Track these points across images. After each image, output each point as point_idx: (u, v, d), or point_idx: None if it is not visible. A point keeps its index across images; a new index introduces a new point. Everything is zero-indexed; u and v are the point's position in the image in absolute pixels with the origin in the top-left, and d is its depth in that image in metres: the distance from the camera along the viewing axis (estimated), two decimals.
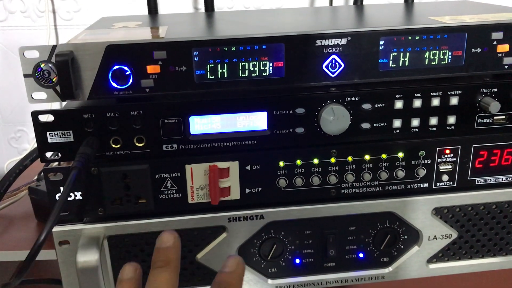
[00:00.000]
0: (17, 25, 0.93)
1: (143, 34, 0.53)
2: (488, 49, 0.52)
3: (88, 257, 0.50)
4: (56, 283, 0.64)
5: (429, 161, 0.56)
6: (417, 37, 0.51)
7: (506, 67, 0.53)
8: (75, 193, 0.52)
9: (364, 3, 0.83)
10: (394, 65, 0.52)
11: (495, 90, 0.54)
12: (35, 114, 0.49)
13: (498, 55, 0.52)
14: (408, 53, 0.51)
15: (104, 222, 0.53)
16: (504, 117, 0.55)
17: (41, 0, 0.91)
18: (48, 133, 0.49)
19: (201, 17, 0.71)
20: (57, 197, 0.51)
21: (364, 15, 0.67)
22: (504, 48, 0.52)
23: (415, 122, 0.54)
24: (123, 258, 0.55)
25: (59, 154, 0.51)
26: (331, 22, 0.64)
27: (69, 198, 0.51)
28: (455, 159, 0.56)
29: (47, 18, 0.92)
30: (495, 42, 0.52)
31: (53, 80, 0.47)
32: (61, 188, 0.51)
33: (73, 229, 0.52)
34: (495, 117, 0.55)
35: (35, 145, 0.94)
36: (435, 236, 0.59)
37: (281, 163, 0.54)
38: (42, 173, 0.74)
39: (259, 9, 0.91)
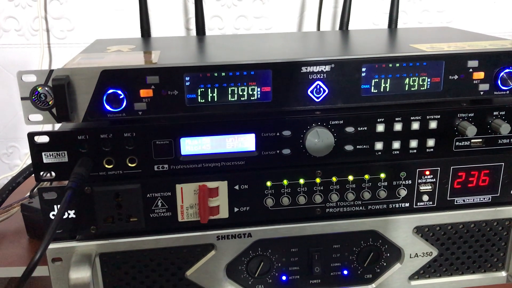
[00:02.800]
0: (11, 43, 0.95)
1: (137, 59, 0.55)
2: (465, 76, 0.55)
3: (80, 274, 0.51)
4: None
5: (410, 181, 0.58)
6: (397, 65, 0.54)
7: (481, 93, 0.56)
8: (69, 211, 0.53)
9: (350, 27, 0.86)
10: (376, 91, 0.54)
11: (472, 114, 0.56)
12: (31, 135, 0.51)
13: (474, 81, 0.55)
14: (389, 79, 0.54)
15: (96, 240, 0.54)
16: (480, 140, 0.58)
17: (35, 19, 0.93)
18: (43, 153, 0.51)
19: (192, 41, 0.73)
20: (51, 215, 0.53)
21: (348, 41, 0.70)
22: (479, 75, 0.55)
23: (396, 145, 0.56)
24: (115, 275, 0.56)
25: (53, 173, 0.52)
26: (316, 49, 0.67)
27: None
28: (434, 180, 0.59)
29: (41, 37, 0.94)
30: (471, 70, 0.55)
31: (49, 103, 0.49)
32: (55, 207, 0.52)
33: (66, 247, 0.54)
34: (472, 140, 0.58)
35: (27, 162, 0.95)
36: (416, 253, 0.61)
37: (269, 183, 0.56)
38: (35, 191, 0.76)
39: (248, 34, 0.94)
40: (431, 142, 0.57)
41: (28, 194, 0.76)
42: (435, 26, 0.94)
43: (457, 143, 0.57)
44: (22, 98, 0.49)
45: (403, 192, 0.58)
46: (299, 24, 0.97)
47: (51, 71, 0.49)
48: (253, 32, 0.95)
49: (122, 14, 0.93)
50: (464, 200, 0.60)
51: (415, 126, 0.56)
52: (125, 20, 0.93)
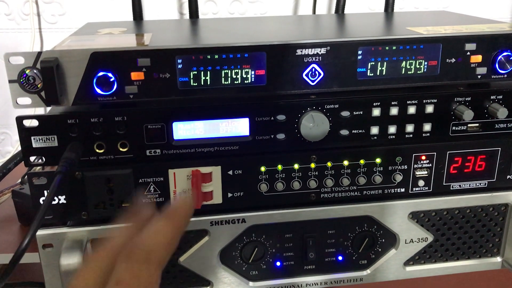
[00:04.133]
0: (1, 27, 0.93)
1: (128, 41, 0.54)
2: (462, 59, 0.54)
3: (71, 260, 0.51)
4: (39, 286, 0.65)
5: (406, 166, 0.57)
6: (394, 47, 0.53)
7: (479, 77, 0.55)
8: (59, 197, 0.52)
9: (345, 11, 0.85)
10: (372, 74, 0.53)
11: (469, 99, 0.56)
12: (19, 119, 0.49)
13: (471, 65, 0.54)
14: (385, 63, 0.53)
15: (88, 226, 0.54)
16: (477, 125, 0.57)
17: (26, 3, 0.91)
18: (32, 137, 0.50)
19: (185, 24, 0.72)
20: (41, 201, 0.52)
21: (344, 24, 0.69)
22: (477, 58, 0.54)
23: (392, 129, 0.56)
24: None
25: (43, 158, 0.51)
26: (312, 32, 0.66)
27: (53, 202, 0.52)
28: (430, 165, 0.58)
29: (32, 21, 0.92)
30: (468, 53, 0.54)
31: (38, 86, 0.48)
32: (45, 192, 0.51)
33: (57, 233, 0.53)
34: (469, 125, 0.57)
35: (19, 148, 0.94)
36: (411, 239, 0.60)
37: (263, 168, 0.55)
38: (26, 177, 0.75)
39: (242, 17, 0.93)
40: (427, 127, 0.56)
41: (20, 180, 0.75)
42: (432, 10, 0.93)
43: (453, 128, 0.57)
44: (10, 81, 0.48)
45: (398, 177, 0.58)
46: (294, 9, 0.95)
47: (39, 53, 0.47)
48: (248, 16, 0.94)
49: None
50: (460, 185, 0.60)
51: (412, 110, 0.55)
52: (118, 5, 0.92)
